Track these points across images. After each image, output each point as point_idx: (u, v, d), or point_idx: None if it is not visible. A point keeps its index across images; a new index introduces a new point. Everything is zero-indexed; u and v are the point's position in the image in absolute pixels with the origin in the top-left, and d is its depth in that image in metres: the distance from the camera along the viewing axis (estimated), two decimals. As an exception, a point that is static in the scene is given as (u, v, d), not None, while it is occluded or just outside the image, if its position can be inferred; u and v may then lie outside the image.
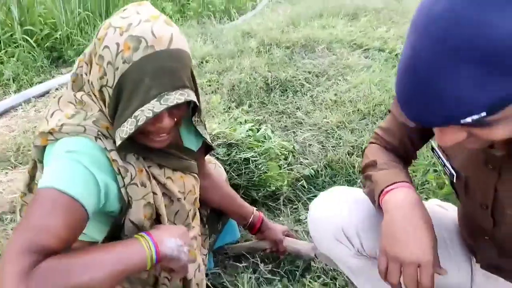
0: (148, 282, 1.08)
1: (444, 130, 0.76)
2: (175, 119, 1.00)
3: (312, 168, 1.93)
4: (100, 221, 1.06)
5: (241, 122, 1.99)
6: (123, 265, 0.92)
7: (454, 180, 1.05)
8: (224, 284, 1.45)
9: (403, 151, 1.20)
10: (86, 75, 1.04)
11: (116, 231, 1.07)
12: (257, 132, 1.91)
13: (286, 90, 2.49)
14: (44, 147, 1.01)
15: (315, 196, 1.84)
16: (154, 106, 0.92)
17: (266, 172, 1.81)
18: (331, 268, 1.51)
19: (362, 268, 1.21)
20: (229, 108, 2.21)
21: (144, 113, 0.92)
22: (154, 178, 1.09)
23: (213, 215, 1.52)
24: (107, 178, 0.97)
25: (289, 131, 2.20)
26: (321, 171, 1.95)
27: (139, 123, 0.91)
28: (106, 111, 1.00)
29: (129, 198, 1.01)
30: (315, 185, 1.90)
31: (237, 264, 1.53)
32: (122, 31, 0.94)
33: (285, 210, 1.79)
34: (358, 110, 2.28)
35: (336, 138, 2.13)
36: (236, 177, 1.79)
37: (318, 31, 3.02)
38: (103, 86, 0.97)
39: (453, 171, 1.05)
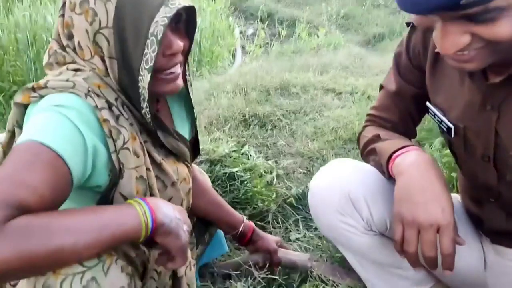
0: (137, 269, 0.92)
1: (447, 31, 0.73)
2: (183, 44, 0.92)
3: (299, 189, 1.84)
4: (83, 200, 0.93)
5: (222, 141, 1.92)
6: (113, 230, 0.79)
7: (452, 135, 1.00)
8: (215, 297, 1.29)
9: (403, 128, 1.15)
10: (63, 48, 0.95)
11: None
12: (241, 150, 1.84)
13: (265, 125, 2.45)
14: (26, 107, 0.90)
15: (305, 217, 1.75)
16: (166, 12, 0.84)
17: (252, 189, 1.71)
18: (330, 279, 1.37)
19: (371, 248, 1.10)
20: (209, 133, 2.14)
21: (159, 24, 0.84)
22: (149, 154, 0.98)
23: (200, 225, 1.38)
24: (96, 140, 0.86)
25: (271, 161, 2.13)
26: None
27: (159, 37, 0.83)
28: (108, 62, 0.91)
29: (121, 166, 0.89)
30: (303, 205, 1.80)
31: (228, 272, 1.38)
32: None
33: (274, 229, 1.67)
34: (339, 137, 2.26)
35: (321, 163, 2.07)
36: (221, 194, 1.68)
37: (292, 77, 3.08)
38: (97, 33, 0.89)
39: (450, 125, 1.00)
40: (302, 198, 1.82)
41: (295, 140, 2.31)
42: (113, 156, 0.88)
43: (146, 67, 0.87)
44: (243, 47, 5.30)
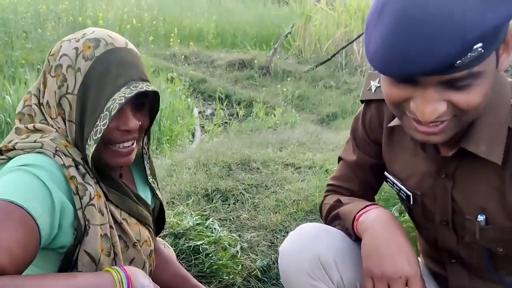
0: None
1: (428, 99, 0.79)
2: (139, 123, 0.97)
3: (264, 261, 1.84)
4: (46, 261, 0.92)
5: (186, 215, 1.91)
6: None
7: (411, 202, 1.07)
8: None
9: (362, 196, 1.21)
10: (38, 105, 1.00)
11: (67, 269, 0.91)
12: (205, 223, 1.83)
13: (227, 199, 2.47)
14: (-7, 170, 0.91)
15: (270, 289, 1.73)
16: (125, 93, 0.89)
17: (217, 262, 1.69)
18: None
19: (342, 312, 1.10)
20: (172, 207, 2.13)
21: (116, 101, 0.88)
22: (111, 213, 1.00)
23: (166, 299, 1.35)
24: (64, 198, 0.88)
25: (234, 234, 2.13)
26: (273, 264, 1.85)
27: (113, 113, 0.87)
28: (67, 125, 0.95)
29: (86, 223, 0.90)
30: (268, 278, 1.79)
31: None
32: (78, 39, 0.95)
33: (240, 303, 1.64)
34: (301, 209, 2.30)
35: (284, 234, 2.08)
36: (186, 267, 1.65)
37: (252, 152, 3.16)
38: (62, 97, 0.94)
39: (409, 193, 1.06)
40: (267, 271, 1.81)
41: (258, 213, 2.33)
42: (79, 213, 0.90)
43: (94, 137, 0.91)
44: (202, 126, 5.41)
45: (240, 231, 2.14)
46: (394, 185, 1.11)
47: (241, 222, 2.24)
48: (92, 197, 0.92)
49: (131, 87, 0.92)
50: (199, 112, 5.87)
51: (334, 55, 7.29)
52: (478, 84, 0.78)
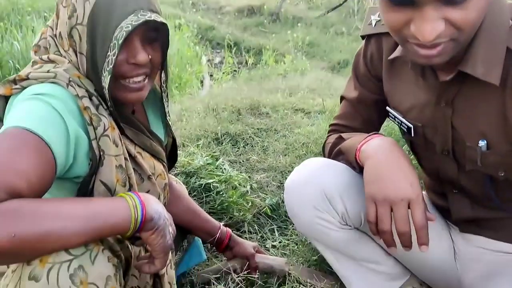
0: (121, 263, 0.93)
1: (426, 18, 0.79)
2: (150, 58, 0.96)
3: (273, 200, 1.88)
4: (62, 191, 0.94)
5: (196, 155, 1.94)
6: (103, 220, 0.81)
7: (412, 135, 1.07)
8: (195, 299, 1.29)
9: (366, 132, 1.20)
10: (52, 37, 1.00)
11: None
12: (216, 163, 1.86)
13: (237, 143, 2.49)
14: (7, 99, 0.92)
15: (280, 226, 1.78)
16: (133, 20, 0.89)
17: (228, 199, 1.73)
18: (307, 281, 1.40)
19: (347, 243, 1.14)
20: (183, 149, 2.16)
21: (123, 29, 0.88)
22: (126, 147, 1.01)
23: (178, 233, 1.39)
24: (78, 128, 0.89)
25: (244, 174, 2.16)
26: (282, 202, 1.89)
27: (120, 41, 0.87)
28: (78, 57, 0.95)
29: (101, 153, 0.92)
30: (278, 215, 1.83)
31: (207, 275, 1.38)
32: None
33: (250, 238, 1.68)
34: (310, 151, 2.32)
35: (293, 175, 2.11)
36: (197, 204, 1.69)
37: (262, 98, 3.15)
38: (73, 28, 0.93)
39: (410, 125, 1.07)
40: (276, 209, 1.85)
41: (267, 155, 2.36)
42: (94, 143, 0.91)
43: (107, 68, 0.91)
44: (211, 75, 5.38)
45: (250, 172, 2.18)
46: (396, 118, 1.11)
47: (250, 164, 2.27)
48: (106, 128, 0.93)
49: (139, 15, 0.91)
50: (208, 60, 5.82)
51: (345, 1, 7.08)
52: (473, 2, 0.78)
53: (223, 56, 5.99)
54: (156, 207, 0.89)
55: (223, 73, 5.29)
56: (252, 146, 2.47)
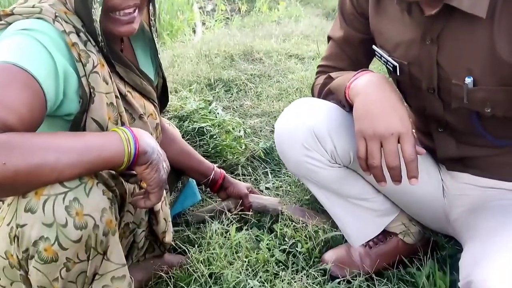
0: (116, 197, 0.94)
1: None
2: None
3: (266, 143, 1.89)
4: (54, 129, 0.93)
5: (189, 99, 1.93)
6: (96, 153, 0.80)
7: (398, 73, 1.06)
8: (190, 236, 1.32)
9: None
10: None
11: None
12: (209, 108, 1.86)
13: (230, 89, 2.47)
14: (-9, 36, 0.90)
15: (273, 169, 1.80)
16: None
17: (221, 143, 1.74)
18: (300, 219, 1.43)
19: (336, 180, 1.15)
20: (175, 94, 2.15)
21: None
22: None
23: (172, 174, 1.41)
24: (66, 64, 0.87)
25: (238, 119, 2.16)
26: (276, 146, 1.90)
27: None
28: None
29: (91, 90, 0.91)
30: (271, 159, 1.85)
31: (202, 214, 1.41)
32: None
33: (244, 181, 1.71)
34: (304, 96, 2.31)
35: (286, 120, 2.11)
36: (191, 148, 1.70)
37: (255, 44, 3.10)
38: None
39: (395, 63, 1.06)
40: (270, 152, 1.87)
41: (261, 101, 2.35)
42: (83, 80, 0.89)
43: (98, 0, 0.88)
44: (203, 23, 5.25)
45: (244, 118, 2.17)
46: (382, 57, 1.10)
47: (244, 110, 2.27)
48: (95, 64, 0.91)
49: None
50: (199, 8, 5.66)
51: None
52: None
53: (215, 3, 5.82)
54: (149, 141, 0.89)
55: (216, 20, 5.15)
56: (245, 92, 2.46)
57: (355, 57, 1.20)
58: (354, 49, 1.19)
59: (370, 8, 1.10)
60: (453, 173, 1.15)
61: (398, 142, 0.92)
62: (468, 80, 0.94)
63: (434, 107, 1.06)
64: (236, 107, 2.31)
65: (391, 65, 1.07)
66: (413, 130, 0.94)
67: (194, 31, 4.92)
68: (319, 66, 1.27)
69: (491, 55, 0.90)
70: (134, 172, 0.95)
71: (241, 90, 2.48)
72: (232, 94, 2.43)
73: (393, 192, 1.18)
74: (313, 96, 1.27)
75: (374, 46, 1.12)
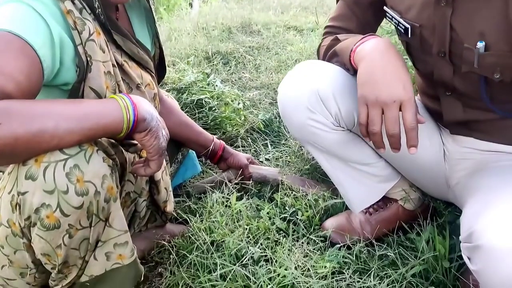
0: (116, 166, 0.94)
1: None
2: None
3: (266, 115, 1.88)
4: (53, 98, 0.92)
5: (187, 72, 1.92)
6: (95, 119, 0.80)
7: (409, 35, 1.05)
8: (191, 207, 1.33)
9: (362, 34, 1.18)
10: None
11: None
12: (207, 80, 1.84)
13: (229, 62, 2.45)
14: (-15, 3, 0.88)
15: (273, 141, 1.80)
16: None
17: (221, 115, 1.74)
18: (300, 189, 1.43)
19: (339, 144, 1.15)
20: (173, 67, 2.13)
21: None
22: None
23: (172, 145, 1.41)
24: (62, 32, 0.86)
25: (237, 91, 2.15)
26: (275, 118, 1.90)
27: None
28: None
29: (88, 58, 0.89)
30: (271, 130, 1.85)
31: (203, 184, 1.42)
32: None
33: (244, 152, 1.71)
34: (303, 67, 2.29)
35: (285, 91, 2.10)
36: (190, 120, 1.70)
37: (253, 15, 3.07)
38: None
39: (407, 25, 1.04)
40: (269, 124, 1.86)
41: (260, 73, 2.33)
42: (80, 48, 0.88)
43: None
44: (199, -3, 5.18)
45: (242, 90, 2.16)
46: (393, 19, 1.08)
47: (243, 82, 2.26)
48: (91, 32, 0.90)
49: None
50: (196, -19, 5.58)
51: None
52: None
53: (212, -24, 5.74)
54: (148, 108, 0.88)
55: (213, -6, 5.10)
56: (244, 65, 2.44)
57: (364, 18, 1.18)
58: (364, 10, 1.17)
59: None
60: (455, 137, 1.15)
61: (400, 110, 0.92)
62: (480, 45, 0.93)
63: (443, 71, 1.05)
64: (235, 79, 2.30)
65: (403, 27, 1.05)
66: (416, 99, 0.94)
67: (190, 5, 4.86)
68: (326, 27, 1.25)
69: (505, 21, 0.89)
70: (134, 141, 0.95)
71: (239, 62, 2.46)
72: (230, 66, 2.41)
73: (394, 157, 1.18)
74: (318, 56, 1.26)
75: (385, 7, 1.10)
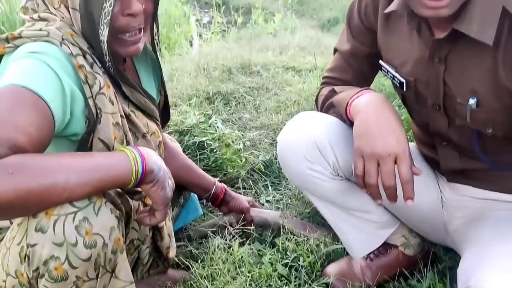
0: (122, 215, 0.96)
1: None
2: (143, 7, 0.96)
3: (266, 156, 1.91)
4: (61, 150, 0.95)
5: (189, 114, 1.95)
6: (105, 172, 0.83)
7: (405, 89, 1.09)
8: (192, 252, 1.33)
9: (357, 86, 1.21)
10: None
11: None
12: (209, 122, 1.88)
13: (229, 102, 2.50)
14: (0, 58, 0.92)
15: (273, 182, 1.82)
16: None
17: (222, 157, 1.76)
18: (301, 233, 1.44)
19: (338, 193, 1.17)
20: (175, 108, 2.17)
21: None
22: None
23: (174, 190, 1.42)
24: (73, 86, 0.90)
25: (237, 132, 2.18)
26: (275, 159, 1.93)
27: None
28: (71, 13, 0.94)
29: (98, 111, 0.93)
30: (271, 171, 1.87)
31: (204, 229, 1.43)
32: None
33: (244, 194, 1.73)
34: (302, 108, 2.33)
35: (285, 133, 2.14)
36: (192, 162, 1.72)
37: (252, 56, 3.13)
38: None
39: (402, 79, 1.08)
40: (270, 165, 1.89)
41: (259, 114, 2.37)
42: (90, 101, 0.91)
43: (104, 21, 0.90)
44: (200, 35, 5.30)
45: (243, 130, 2.20)
46: (388, 73, 1.12)
47: (243, 123, 2.29)
48: (101, 86, 0.93)
49: None
50: (196, 20, 5.71)
51: (335, -44, 6.91)
52: None
53: (211, 15, 5.87)
54: (155, 159, 0.91)
55: (212, 33, 5.20)
56: (244, 105, 2.49)
57: (360, 70, 1.22)
58: (360, 62, 1.21)
59: (379, 24, 1.12)
60: (453, 185, 1.18)
61: (395, 163, 0.95)
62: (472, 101, 0.97)
63: (438, 123, 1.09)
64: (235, 119, 2.34)
65: (398, 81, 1.09)
66: (413, 147, 0.97)
67: (191, 44, 4.97)
68: (324, 78, 1.29)
69: (495, 80, 0.93)
70: (138, 189, 0.97)
71: (239, 103, 2.51)
72: (231, 107, 2.45)
73: (393, 205, 1.20)
74: (316, 106, 1.30)
75: (381, 61, 1.14)
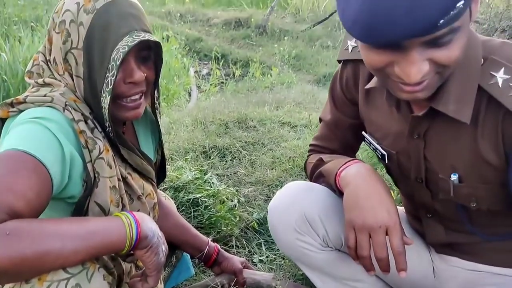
0: (114, 279, 0.96)
1: (413, 60, 0.79)
2: (145, 75, 1.00)
3: (260, 214, 1.91)
4: (57, 212, 0.97)
5: (185, 169, 1.97)
6: (100, 239, 0.84)
7: (387, 161, 1.11)
8: (184, 315, 1.31)
9: (343, 154, 1.23)
10: (45, 62, 1.03)
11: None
12: (204, 178, 1.89)
13: (225, 156, 2.52)
14: (4, 121, 0.95)
15: (267, 240, 1.82)
16: (128, 41, 0.92)
17: (216, 214, 1.76)
18: (294, 295, 1.43)
19: (329, 263, 1.18)
20: (171, 163, 2.19)
21: (119, 51, 0.91)
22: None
23: (167, 248, 1.42)
24: (73, 150, 0.92)
25: (232, 189, 2.19)
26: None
27: (118, 62, 0.90)
28: (75, 80, 0.98)
29: (96, 175, 0.95)
30: (265, 229, 1.87)
31: (196, 291, 1.41)
32: None
33: (238, 253, 1.72)
34: (297, 165, 2.36)
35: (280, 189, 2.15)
36: (186, 219, 1.71)
37: (249, 111, 3.19)
38: (68, 52, 0.97)
39: (384, 152, 1.10)
40: (263, 223, 1.88)
41: (255, 169, 2.40)
42: (89, 166, 0.94)
43: (107, 89, 0.94)
44: (198, 86, 5.41)
45: (238, 186, 2.21)
46: (371, 144, 1.14)
47: (238, 178, 2.31)
48: (101, 151, 0.96)
49: (133, 36, 0.94)
50: (195, 72, 5.85)
51: (331, 14, 7.20)
52: (457, 38, 0.78)
53: (210, 68, 6.03)
54: (150, 225, 0.92)
55: (211, 84, 5.33)
56: (239, 160, 2.51)
57: (345, 139, 1.24)
58: (344, 132, 1.23)
59: (360, 97, 1.14)
60: (442, 256, 1.18)
61: (387, 234, 0.96)
62: (454, 177, 0.98)
63: (422, 195, 1.10)
64: (230, 174, 2.35)
65: (380, 153, 1.11)
66: (403, 217, 0.97)
67: (189, 95, 5.07)
68: (311, 145, 1.32)
69: (475, 156, 0.95)
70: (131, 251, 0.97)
71: (235, 157, 2.53)
72: (226, 161, 2.48)
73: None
74: (305, 172, 1.31)
75: (363, 133, 1.16)
